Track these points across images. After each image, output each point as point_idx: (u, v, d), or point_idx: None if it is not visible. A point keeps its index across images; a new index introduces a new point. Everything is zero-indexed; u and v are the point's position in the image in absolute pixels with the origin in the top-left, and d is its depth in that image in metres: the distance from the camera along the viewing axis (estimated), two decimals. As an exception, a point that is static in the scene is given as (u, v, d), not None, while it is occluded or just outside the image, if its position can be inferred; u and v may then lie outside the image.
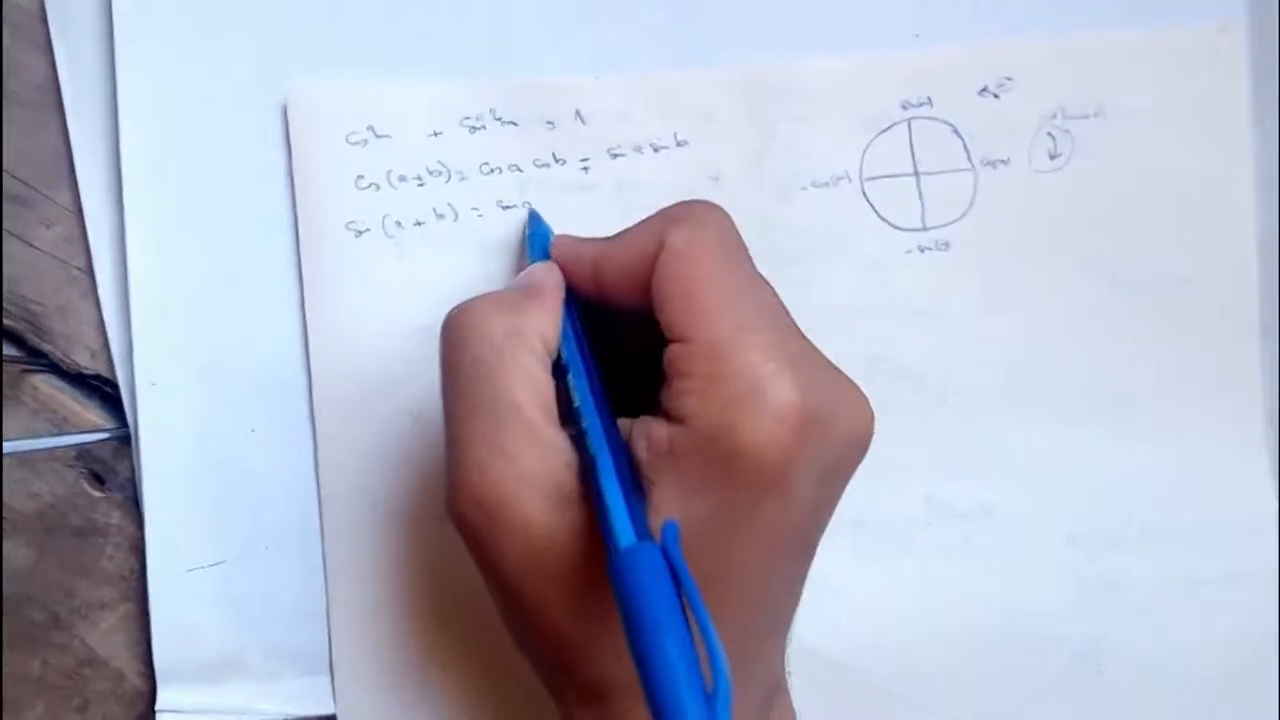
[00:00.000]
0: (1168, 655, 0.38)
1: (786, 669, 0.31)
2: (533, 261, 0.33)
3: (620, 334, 0.31)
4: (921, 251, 0.37)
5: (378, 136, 0.35)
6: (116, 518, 0.37)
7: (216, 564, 0.37)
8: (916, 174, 0.36)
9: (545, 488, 0.28)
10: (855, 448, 0.29)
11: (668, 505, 0.27)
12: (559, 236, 0.33)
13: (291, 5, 0.35)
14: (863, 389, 0.28)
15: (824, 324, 0.36)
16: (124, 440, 0.37)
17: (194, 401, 0.36)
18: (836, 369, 0.29)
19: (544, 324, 0.30)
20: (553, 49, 0.36)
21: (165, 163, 0.35)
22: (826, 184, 0.36)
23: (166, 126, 0.35)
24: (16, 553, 0.37)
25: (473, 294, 0.35)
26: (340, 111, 0.35)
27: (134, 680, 0.37)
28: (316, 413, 0.36)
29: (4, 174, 0.36)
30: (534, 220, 0.35)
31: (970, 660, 0.37)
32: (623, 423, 0.29)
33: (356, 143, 0.35)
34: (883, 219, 0.37)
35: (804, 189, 0.36)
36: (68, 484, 0.37)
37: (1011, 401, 0.37)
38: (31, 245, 0.36)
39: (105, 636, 0.37)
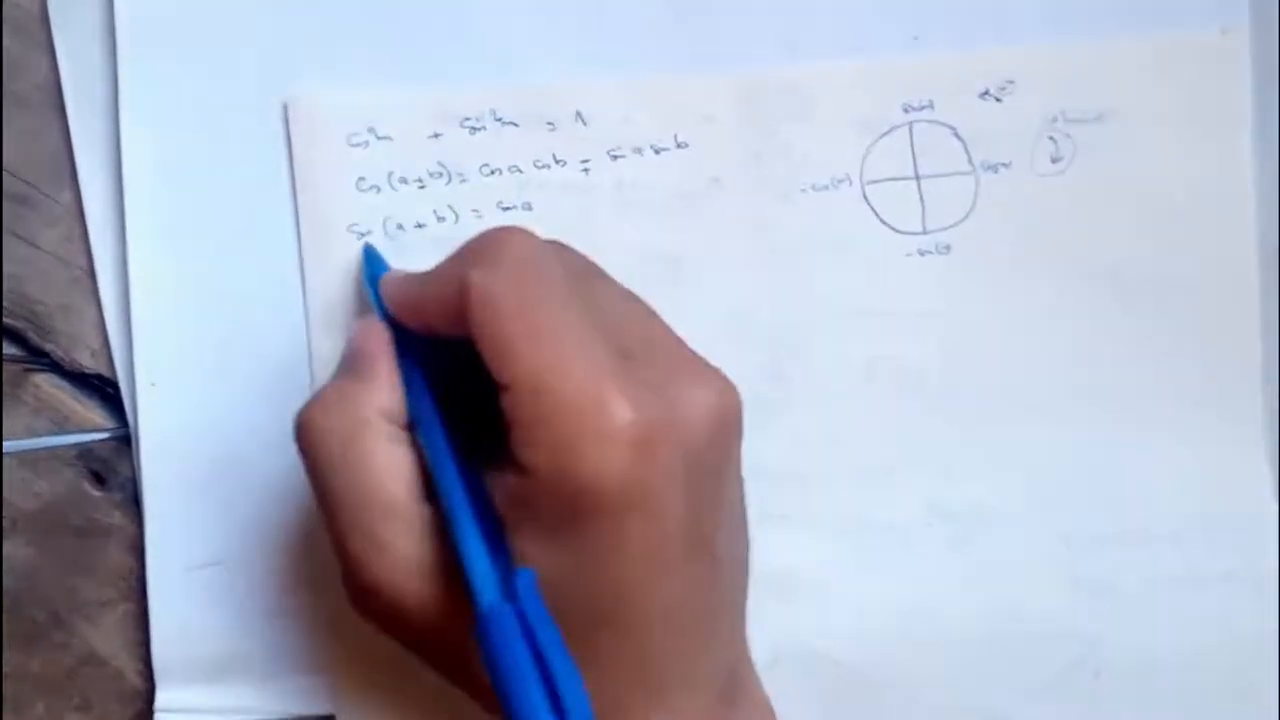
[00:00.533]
0: (1166, 656, 0.38)
1: (750, 657, 0.31)
2: (372, 300, 0.32)
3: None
4: (922, 255, 0.37)
5: (379, 138, 0.35)
6: (117, 517, 0.37)
7: (216, 564, 0.37)
8: (917, 177, 0.36)
9: (424, 568, 0.28)
10: (718, 435, 0.28)
11: (533, 552, 0.27)
12: (385, 278, 0.32)
13: (293, 7, 0.35)
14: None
15: (824, 327, 0.37)
16: (124, 440, 0.37)
17: (195, 402, 0.36)
18: (687, 355, 0.29)
19: (382, 400, 0.30)
20: (554, 51, 0.36)
21: (167, 164, 0.35)
22: (827, 187, 0.36)
23: (168, 127, 0.35)
24: (17, 552, 0.37)
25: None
26: (341, 113, 0.35)
27: (133, 679, 0.37)
28: (317, 413, 0.36)
29: (6, 174, 0.36)
30: (369, 259, 0.35)
31: (968, 661, 0.37)
32: (487, 475, 0.29)
33: (357, 144, 0.35)
34: (883, 222, 0.37)
35: (804, 192, 0.36)
36: (68, 483, 0.37)
37: (1011, 403, 0.37)
38: (34, 245, 0.36)
39: (105, 635, 0.37)
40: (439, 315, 0.29)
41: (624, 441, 0.26)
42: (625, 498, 0.26)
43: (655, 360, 0.28)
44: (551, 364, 0.27)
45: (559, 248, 0.30)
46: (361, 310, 0.36)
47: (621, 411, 0.26)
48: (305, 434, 0.30)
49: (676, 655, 0.28)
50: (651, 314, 0.30)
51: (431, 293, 0.29)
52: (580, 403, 0.26)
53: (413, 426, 0.30)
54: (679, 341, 0.30)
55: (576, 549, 0.27)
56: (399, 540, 0.28)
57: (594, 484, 0.26)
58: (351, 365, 0.31)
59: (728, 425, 0.29)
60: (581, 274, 0.29)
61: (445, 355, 0.30)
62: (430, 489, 0.29)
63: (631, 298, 0.30)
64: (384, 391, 0.30)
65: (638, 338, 0.29)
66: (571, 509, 0.26)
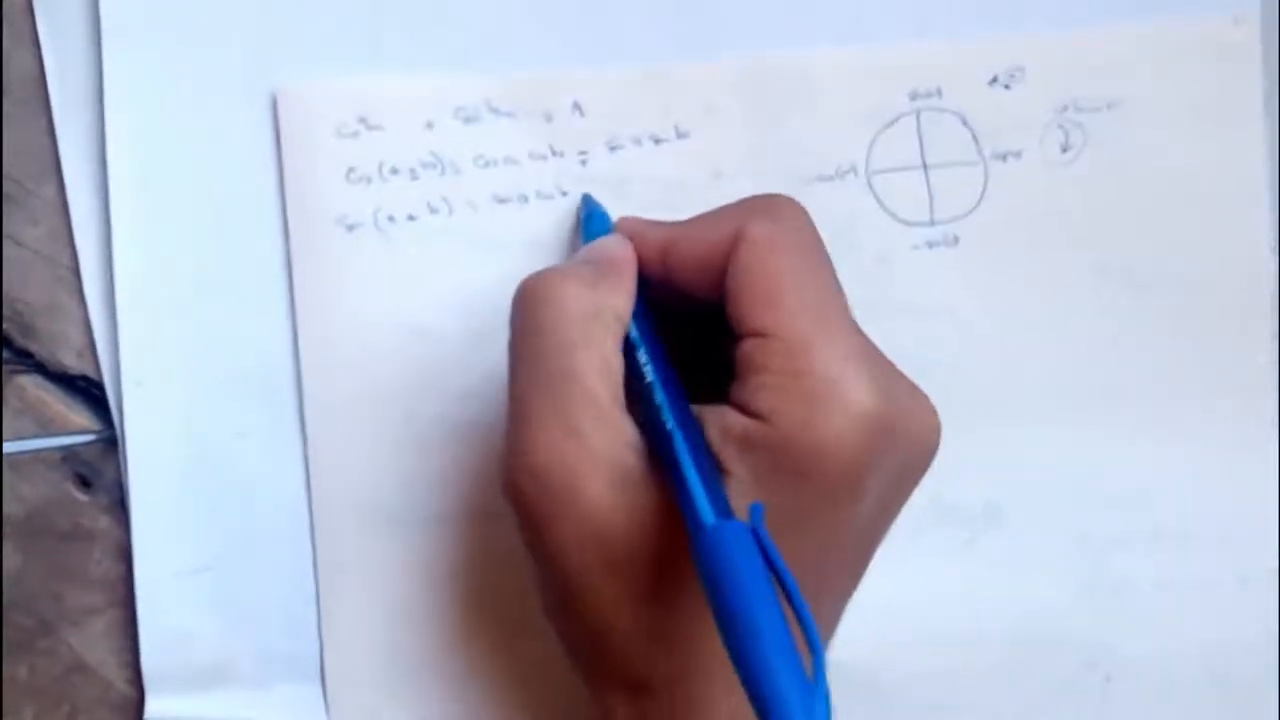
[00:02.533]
0: (1180, 659, 0.38)
1: None
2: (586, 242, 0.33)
3: (671, 324, 0.31)
4: (930, 247, 0.36)
5: (369, 128, 0.35)
6: (104, 521, 0.37)
7: (205, 568, 0.36)
8: (925, 167, 0.36)
9: (612, 470, 0.28)
10: (925, 454, 0.29)
11: (739, 495, 0.27)
12: (625, 217, 0.33)
13: (281, -4, 0.35)
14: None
15: None
16: (111, 442, 0.36)
17: (182, 402, 0.36)
18: (905, 375, 0.30)
19: (619, 301, 0.30)
20: (550, 39, 0.35)
21: (152, 157, 0.35)
22: (832, 177, 0.36)
23: (154, 120, 0.35)
24: (3, 557, 0.37)
25: (468, 290, 0.35)
26: (331, 103, 0.35)
27: (122, 687, 0.37)
28: (307, 413, 0.36)
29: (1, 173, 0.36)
30: (588, 203, 0.35)
31: (977, 663, 0.37)
32: (696, 408, 0.29)
33: (348, 135, 0.35)
34: (890, 213, 0.36)
35: (808, 183, 0.36)
36: (54, 487, 0.37)
37: (1020, 400, 0.37)
38: (17, 242, 0.36)
39: (93, 642, 0.37)
40: (689, 257, 0.30)
41: (865, 422, 0.27)
42: (843, 475, 0.27)
43: (888, 363, 0.29)
44: (819, 326, 0.28)
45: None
46: (354, 306, 0.35)
47: (871, 394, 0.27)
48: (534, 301, 0.29)
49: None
50: None
51: (691, 234, 0.30)
52: (838, 369, 0.27)
53: (627, 347, 0.30)
54: (890, 360, 0.30)
55: (781, 504, 0.27)
56: (597, 435, 0.28)
57: (830, 451, 0.27)
58: (598, 263, 0.31)
59: (931, 453, 0.30)
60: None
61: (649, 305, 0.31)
62: (634, 415, 0.29)
63: None
64: (624, 294, 0.30)
65: (866, 339, 0.29)
66: (797, 466, 0.27)
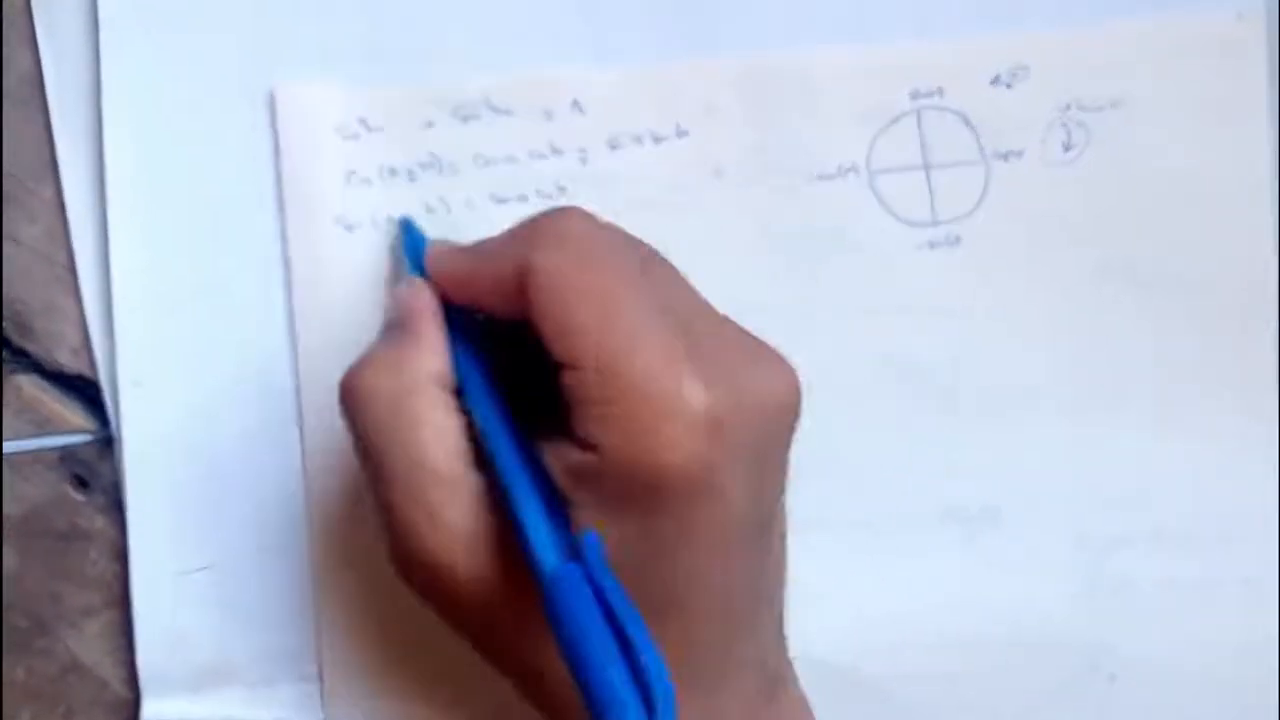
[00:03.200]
0: (1182, 660, 0.37)
1: (788, 655, 0.31)
2: (411, 271, 0.32)
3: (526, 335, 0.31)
4: (931, 247, 0.36)
5: (369, 129, 0.35)
6: (100, 522, 0.37)
7: (202, 569, 0.36)
8: (926, 166, 0.36)
9: (473, 539, 0.28)
10: (781, 421, 0.29)
11: (594, 527, 0.27)
12: (432, 251, 0.32)
13: (279, -4, 0.35)
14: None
15: (830, 321, 0.36)
16: (107, 442, 0.36)
17: (179, 402, 0.36)
18: (745, 338, 0.29)
19: (430, 363, 0.29)
20: (550, 37, 0.35)
21: (150, 158, 0.35)
22: (833, 177, 0.36)
23: (152, 120, 0.35)
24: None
25: None
26: (330, 104, 0.35)
27: (118, 688, 0.37)
28: (304, 413, 0.36)
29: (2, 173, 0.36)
30: (408, 230, 0.34)
31: (977, 664, 0.37)
32: (542, 446, 0.28)
33: (347, 136, 0.35)
34: (891, 213, 0.36)
35: (809, 182, 0.36)
36: (50, 487, 0.37)
37: (1021, 400, 0.37)
38: (15, 241, 0.36)
39: (89, 643, 0.37)
40: (493, 294, 0.29)
41: (697, 424, 0.26)
42: (695, 481, 0.26)
43: (718, 342, 0.28)
44: (623, 344, 0.27)
45: (616, 229, 0.30)
46: (353, 306, 0.35)
47: (694, 394, 0.26)
48: (352, 397, 0.30)
49: (721, 644, 0.29)
50: (705, 301, 0.30)
51: (486, 270, 0.29)
52: (652, 384, 0.26)
53: (459, 393, 0.30)
54: (736, 324, 0.30)
55: (640, 530, 0.27)
56: (450, 508, 0.28)
57: (666, 465, 0.26)
58: (397, 327, 0.30)
59: (790, 410, 0.29)
60: (643, 257, 0.30)
61: (484, 327, 0.30)
62: (479, 458, 0.29)
63: (688, 283, 0.30)
64: (433, 355, 0.30)
65: (699, 319, 0.29)
66: (639, 489, 0.26)
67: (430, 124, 0.35)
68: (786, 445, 0.29)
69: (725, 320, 0.30)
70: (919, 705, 0.37)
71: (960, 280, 0.36)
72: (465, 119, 0.35)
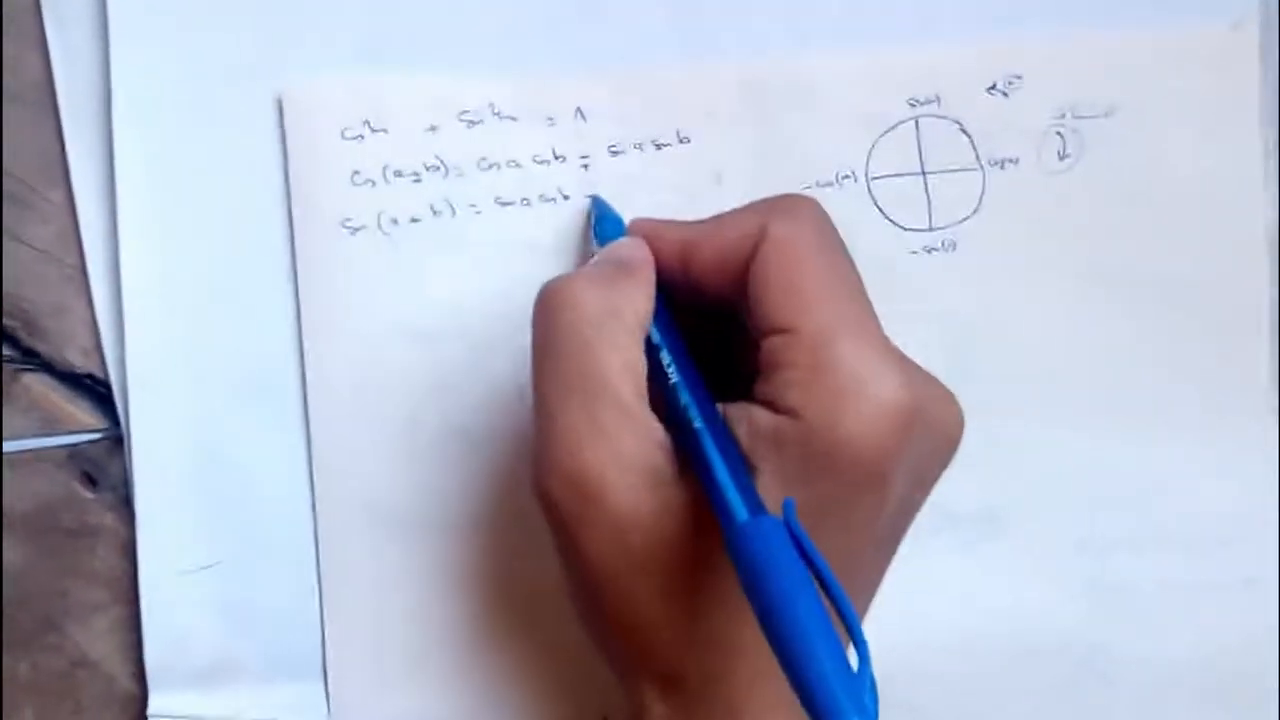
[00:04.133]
0: (1179, 661, 0.37)
1: None
2: (598, 248, 0.33)
3: (688, 324, 0.31)
4: (928, 252, 0.36)
5: (373, 131, 0.35)
6: (109, 519, 0.37)
7: (209, 566, 0.36)
8: (924, 173, 0.36)
9: (641, 471, 0.28)
10: (949, 445, 0.29)
11: (768, 492, 0.27)
12: (639, 219, 0.33)
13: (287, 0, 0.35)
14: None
15: None
16: (116, 441, 0.36)
17: (187, 402, 0.36)
18: (925, 370, 0.29)
19: (639, 301, 0.30)
20: (554, 43, 0.35)
21: (159, 159, 0.35)
22: (831, 183, 0.36)
23: (161, 122, 0.35)
24: (8, 554, 0.37)
25: (472, 292, 0.35)
26: (336, 106, 0.35)
27: (126, 684, 0.37)
28: (311, 413, 0.36)
29: (2, 173, 0.36)
30: (599, 206, 0.35)
31: (978, 666, 0.37)
32: (722, 406, 0.29)
33: (352, 138, 0.35)
34: (889, 219, 0.36)
35: (808, 188, 0.36)
36: (59, 485, 0.37)
37: (1019, 404, 0.37)
38: (25, 243, 0.36)
39: (97, 639, 0.37)
40: (711, 257, 0.30)
41: (892, 414, 0.27)
42: (874, 467, 0.27)
43: (908, 358, 0.29)
44: (843, 320, 0.28)
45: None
46: (358, 307, 0.35)
47: (897, 387, 0.27)
48: (557, 298, 0.29)
49: None
50: None
51: (712, 234, 0.30)
52: (864, 364, 0.27)
53: (649, 348, 0.30)
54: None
55: (810, 499, 0.27)
56: (624, 436, 0.28)
57: (857, 445, 0.27)
58: (616, 263, 0.31)
59: (954, 446, 0.30)
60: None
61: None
62: (659, 411, 0.29)
63: None
64: (643, 294, 0.30)
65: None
66: (825, 461, 0.27)
67: (435, 127, 0.35)
68: (939, 477, 0.30)
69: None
70: (919, 706, 0.37)
71: (957, 285, 0.36)
72: (470, 123, 0.35)
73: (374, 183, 0.35)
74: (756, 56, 0.36)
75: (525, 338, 0.30)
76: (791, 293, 0.28)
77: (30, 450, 0.37)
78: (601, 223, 0.34)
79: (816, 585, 0.24)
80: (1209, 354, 0.37)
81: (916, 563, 0.37)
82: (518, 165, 0.35)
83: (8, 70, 0.35)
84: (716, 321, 0.31)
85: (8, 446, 0.36)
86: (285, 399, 0.36)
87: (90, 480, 0.37)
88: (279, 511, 0.36)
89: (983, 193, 0.36)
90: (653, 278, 0.30)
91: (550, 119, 0.35)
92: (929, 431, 0.28)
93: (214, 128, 0.35)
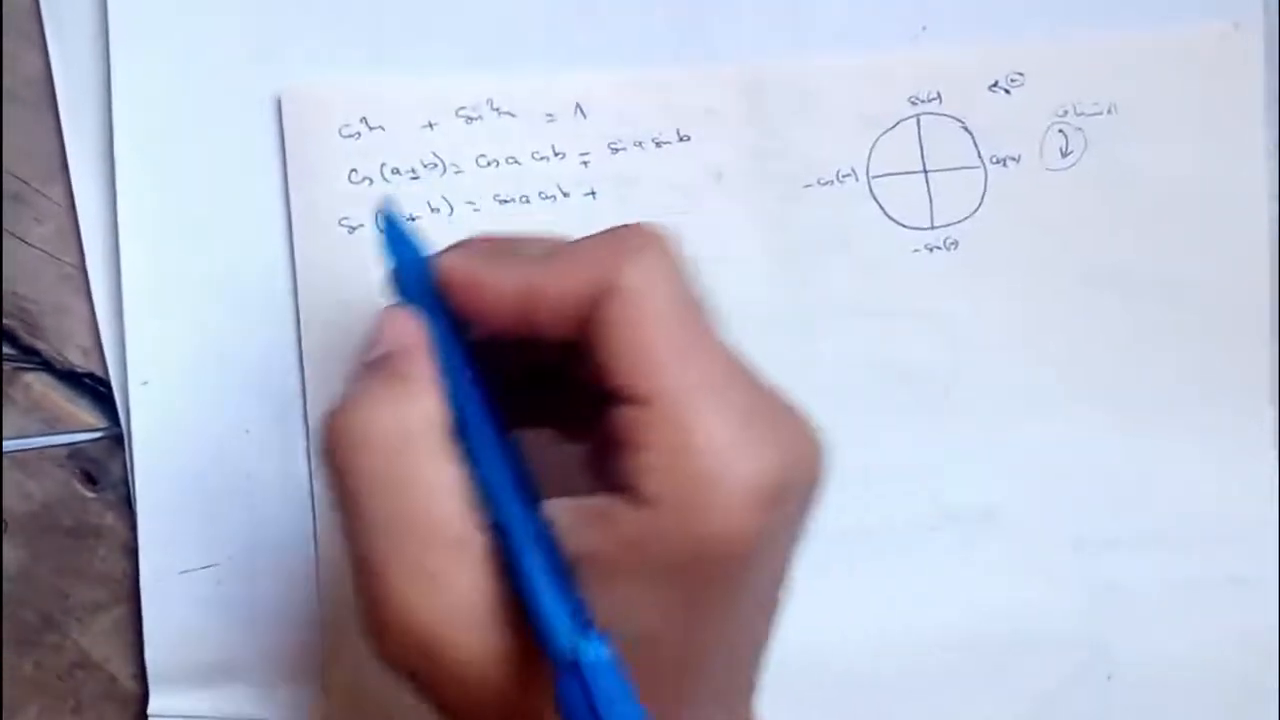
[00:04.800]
0: (1178, 660, 0.38)
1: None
2: (394, 282, 0.28)
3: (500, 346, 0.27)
4: (930, 250, 0.36)
5: (371, 129, 0.35)
6: (109, 519, 0.37)
7: (210, 566, 0.36)
8: (925, 171, 0.36)
9: (481, 612, 0.25)
10: (817, 490, 0.26)
11: (639, 596, 0.24)
12: (448, 259, 0.27)
13: (286, -2, 0.35)
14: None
15: (829, 324, 0.36)
16: (117, 440, 0.36)
17: (187, 401, 0.36)
18: (783, 403, 0.26)
19: (429, 406, 0.26)
20: (553, 40, 0.35)
21: (159, 158, 0.35)
22: (832, 181, 0.36)
23: (160, 121, 0.35)
24: (9, 553, 0.37)
25: None
26: (334, 103, 0.35)
27: (127, 683, 0.37)
28: (310, 412, 0.36)
29: (2, 172, 0.36)
30: (391, 226, 0.28)
31: (975, 665, 0.37)
32: (572, 504, 0.25)
33: (349, 135, 0.35)
34: (890, 217, 0.36)
35: (809, 186, 0.36)
36: (60, 484, 0.37)
37: (1018, 403, 0.37)
38: (25, 242, 0.36)
39: (98, 639, 0.37)
40: (554, 307, 0.25)
41: (765, 495, 0.24)
42: (753, 553, 0.24)
43: (771, 406, 0.26)
44: (704, 393, 0.24)
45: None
46: (358, 306, 0.35)
47: (768, 464, 0.24)
48: (345, 443, 0.25)
49: (731, 702, 0.27)
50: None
51: (553, 280, 0.25)
52: (728, 443, 0.24)
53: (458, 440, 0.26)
54: (774, 387, 0.27)
55: (686, 594, 0.24)
56: (456, 575, 0.24)
57: (730, 534, 0.24)
58: (386, 364, 0.26)
59: (822, 479, 0.27)
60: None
61: (482, 360, 0.27)
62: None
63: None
64: (429, 396, 0.26)
65: (753, 376, 0.26)
66: (695, 555, 0.24)
67: (433, 125, 0.35)
68: (810, 517, 0.27)
69: (765, 380, 0.27)
70: (917, 705, 0.37)
71: (958, 284, 0.36)
72: (468, 120, 0.35)
73: (372, 180, 0.35)
74: (758, 54, 0.36)
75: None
76: (645, 359, 0.24)
77: (30, 449, 0.37)
78: (394, 244, 0.28)
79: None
80: (1209, 352, 0.37)
81: (915, 561, 0.37)
82: (516, 162, 0.35)
83: (7, 69, 0.35)
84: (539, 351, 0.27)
85: (8, 446, 0.36)
86: (285, 397, 0.36)
87: (90, 479, 0.37)
88: (279, 510, 0.36)
89: (984, 191, 0.36)
90: (432, 366, 0.26)
91: (550, 115, 0.35)
92: (802, 490, 0.26)
93: (213, 126, 0.35)
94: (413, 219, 0.35)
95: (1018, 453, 0.37)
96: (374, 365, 0.27)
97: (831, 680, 0.37)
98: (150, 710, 0.37)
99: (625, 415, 0.24)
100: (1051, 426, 0.37)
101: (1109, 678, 0.37)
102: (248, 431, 0.36)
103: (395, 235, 0.28)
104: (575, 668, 0.23)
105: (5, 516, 0.37)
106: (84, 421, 0.37)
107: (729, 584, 0.25)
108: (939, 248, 0.36)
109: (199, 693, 0.37)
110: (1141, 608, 0.37)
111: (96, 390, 0.37)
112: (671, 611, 0.24)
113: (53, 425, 0.37)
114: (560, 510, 0.25)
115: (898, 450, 0.37)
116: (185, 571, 0.36)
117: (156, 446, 0.36)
